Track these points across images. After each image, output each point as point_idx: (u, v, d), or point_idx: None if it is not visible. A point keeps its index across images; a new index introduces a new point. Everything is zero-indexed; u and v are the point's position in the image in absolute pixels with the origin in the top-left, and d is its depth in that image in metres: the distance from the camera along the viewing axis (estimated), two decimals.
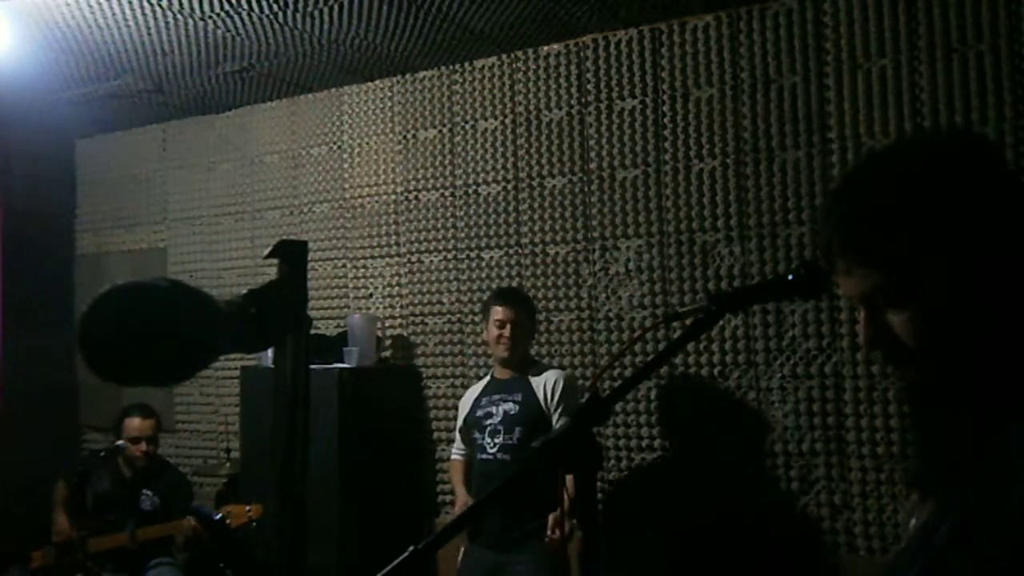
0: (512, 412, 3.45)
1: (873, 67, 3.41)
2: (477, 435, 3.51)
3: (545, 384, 3.45)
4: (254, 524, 3.78)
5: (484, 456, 3.47)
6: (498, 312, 3.53)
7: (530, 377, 3.51)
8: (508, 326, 3.50)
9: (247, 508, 3.80)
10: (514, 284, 4.07)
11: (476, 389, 3.66)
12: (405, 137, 4.45)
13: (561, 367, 3.88)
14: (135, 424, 4.16)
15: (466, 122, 4.28)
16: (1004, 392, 0.89)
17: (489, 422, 3.48)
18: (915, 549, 0.92)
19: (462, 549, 3.50)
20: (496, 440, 3.44)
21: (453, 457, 3.75)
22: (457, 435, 3.72)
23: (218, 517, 3.84)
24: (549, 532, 3.22)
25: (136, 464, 4.16)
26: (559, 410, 3.39)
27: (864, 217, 0.92)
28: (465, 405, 3.65)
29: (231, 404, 4.70)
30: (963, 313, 0.89)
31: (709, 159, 3.70)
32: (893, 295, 0.91)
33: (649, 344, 3.72)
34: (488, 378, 3.67)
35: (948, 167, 0.92)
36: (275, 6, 3.50)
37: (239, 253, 4.95)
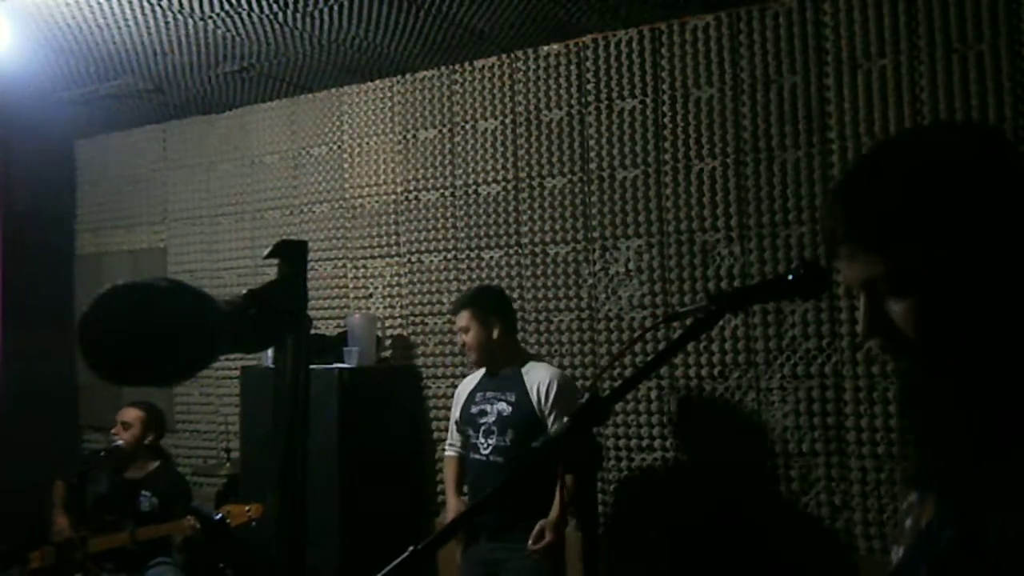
0: (505, 413, 3.41)
1: (873, 67, 3.41)
2: (472, 433, 3.49)
3: (539, 385, 3.38)
4: (253, 524, 3.78)
5: (477, 456, 3.45)
6: (455, 322, 3.57)
7: (524, 375, 3.44)
8: (460, 334, 3.52)
9: (246, 508, 3.79)
10: (514, 284, 4.07)
11: (472, 381, 3.63)
12: (405, 137, 4.45)
13: (561, 367, 3.87)
14: (123, 411, 4.24)
15: (466, 122, 4.28)
16: (1005, 391, 0.87)
17: (483, 421, 3.45)
18: (917, 555, 0.91)
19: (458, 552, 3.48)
20: (489, 441, 3.41)
21: (447, 453, 3.72)
22: (452, 428, 3.70)
23: (218, 517, 3.84)
24: (531, 542, 3.18)
25: (123, 455, 4.16)
26: (553, 414, 3.33)
27: (871, 203, 0.91)
28: (460, 398, 3.63)
29: (231, 404, 4.70)
30: (965, 305, 0.87)
31: (709, 159, 3.70)
32: (896, 283, 0.89)
33: (649, 344, 3.72)
34: (484, 370, 3.60)
35: (960, 158, 0.91)
36: (275, 6, 3.50)
37: (239, 253, 4.95)
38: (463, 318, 3.49)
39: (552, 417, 3.34)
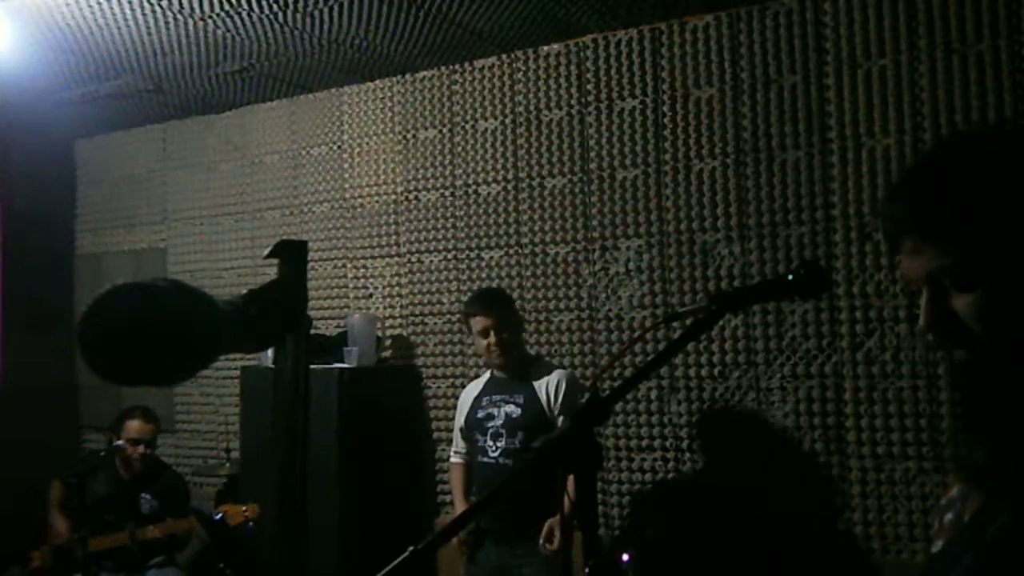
0: (514, 415, 3.35)
1: (873, 67, 3.41)
2: (479, 437, 3.44)
3: (548, 386, 3.35)
4: (250, 524, 3.78)
5: (486, 459, 3.40)
6: (478, 322, 3.42)
7: (532, 376, 3.40)
8: (492, 333, 3.39)
9: (243, 508, 3.80)
10: (514, 284, 4.07)
11: (476, 386, 3.57)
12: (405, 137, 4.45)
13: (562, 366, 3.86)
14: (135, 426, 4.17)
15: (466, 122, 4.28)
16: None
17: (491, 424, 3.39)
18: (960, 545, 0.90)
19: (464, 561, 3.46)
20: (499, 444, 3.35)
21: (452, 460, 3.65)
22: (457, 435, 3.63)
23: (218, 517, 3.84)
24: (542, 541, 3.17)
25: (133, 466, 4.16)
26: (563, 414, 3.28)
27: (941, 194, 0.90)
28: (464, 404, 3.57)
29: (231, 404, 4.70)
30: None
31: (709, 159, 3.70)
32: (963, 275, 0.89)
33: (649, 344, 3.72)
34: (488, 375, 3.57)
35: None
36: (275, 6, 3.50)
37: (239, 253, 4.95)
38: (492, 318, 3.39)
39: (562, 417, 3.30)
